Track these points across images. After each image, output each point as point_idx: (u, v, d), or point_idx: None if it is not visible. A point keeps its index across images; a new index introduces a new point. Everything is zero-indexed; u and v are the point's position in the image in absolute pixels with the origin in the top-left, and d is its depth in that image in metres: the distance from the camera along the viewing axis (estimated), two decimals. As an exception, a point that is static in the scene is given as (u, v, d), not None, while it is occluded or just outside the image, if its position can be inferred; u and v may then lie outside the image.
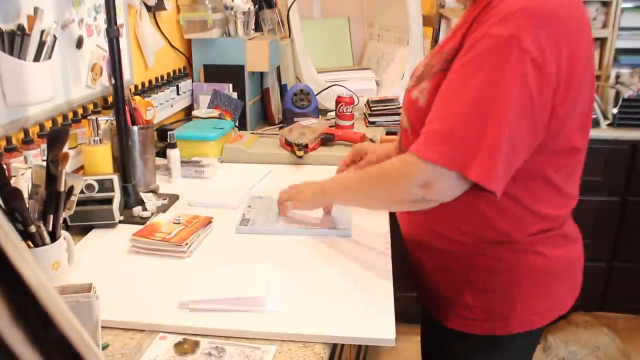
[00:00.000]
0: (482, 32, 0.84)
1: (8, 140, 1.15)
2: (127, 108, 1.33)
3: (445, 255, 1.03)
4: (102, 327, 0.81)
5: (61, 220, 0.95)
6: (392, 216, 1.21)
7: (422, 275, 1.10)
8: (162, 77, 1.85)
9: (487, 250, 0.97)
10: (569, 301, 1.05)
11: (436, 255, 1.05)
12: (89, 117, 1.35)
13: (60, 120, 1.35)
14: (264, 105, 2.19)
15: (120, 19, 1.53)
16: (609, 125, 2.22)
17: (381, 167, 0.99)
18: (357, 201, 1.11)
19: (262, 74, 2.15)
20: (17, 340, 0.24)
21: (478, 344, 1.03)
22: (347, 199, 1.13)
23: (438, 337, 1.12)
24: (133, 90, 1.68)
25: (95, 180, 1.21)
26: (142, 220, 1.23)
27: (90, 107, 1.45)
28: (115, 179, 1.23)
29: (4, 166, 1.03)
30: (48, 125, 1.28)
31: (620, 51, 2.40)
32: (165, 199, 1.36)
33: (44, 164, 0.93)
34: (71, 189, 0.96)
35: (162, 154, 1.59)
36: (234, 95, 1.97)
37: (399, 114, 1.90)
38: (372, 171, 1.01)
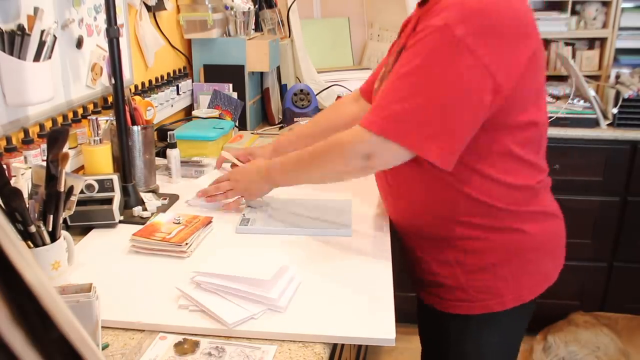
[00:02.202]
0: (423, 25, 0.95)
1: (8, 140, 1.15)
2: (127, 108, 1.33)
3: (435, 241, 1.09)
4: (102, 327, 0.81)
5: (61, 220, 0.95)
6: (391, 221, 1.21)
7: (417, 265, 1.15)
8: (162, 77, 1.85)
9: (475, 232, 1.04)
10: (555, 273, 1.13)
11: (424, 241, 1.11)
12: (89, 117, 1.35)
13: (60, 120, 1.35)
14: (264, 105, 2.19)
15: (120, 19, 1.53)
16: (609, 125, 2.22)
17: (329, 141, 1.06)
18: (302, 178, 1.16)
19: (262, 74, 2.15)
20: (17, 340, 0.24)
21: (476, 323, 1.09)
22: (296, 179, 1.18)
23: (435, 323, 1.17)
24: (133, 90, 1.68)
25: (95, 180, 1.21)
26: (142, 220, 1.23)
27: (90, 107, 1.45)
28: (115, 179, 1.23)
29: (4, 166, 1.03)
30: (48, 125, 1.28)
31: (620, 51, 2.40)
32: (165, 199, 1.36)
33: (44, 164, 0.93)
34: (71, 189, 0.96)
35: (162, 154, 1.59)
36: (234, 95, 1.97)
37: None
38: (321, 146, 1.07)
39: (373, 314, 0.89)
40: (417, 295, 1.24)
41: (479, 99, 0.92)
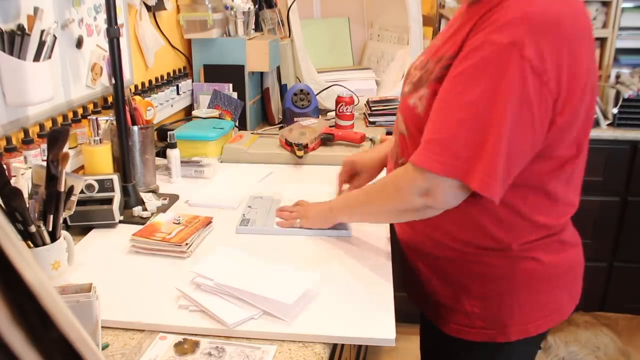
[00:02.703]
0: (482, 38, 0.83)
1: (8, 140, 1.15)
2: (127, 108, 1.33)
3: (442, 262, 1.02)
4: (102, 327, 0.81)
5: (61, 220, 0.95)
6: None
7: (420, 282, 1.09)
8: (162, 77, 1.85)
9: (484, 258, 0.97)
10: (569, 307, 1.04)
11: (433, 262, 1.04)
12: (89, 117, 1.35)
13: (60, 120, 1.35)
14: (264, 105, 2.19)
15: (120, 19, 1.53)
16: (609, 125, 2.22)
17: (384, 180, 1.01)
18: (365, 216, 1.10)
19: (262, 74, 2.15)
20: (17, 340, 0.24)
21: (477, 351, 1.03)
22: (354, 215, 1.12)
23: (437, 343, 1.12)
24: (133, 90, 1.68)
25: (95, 180, 1.21)
26: (142, 220, 1.23)
27: (90, 107, 1.45)
28: (115, 179, 1.23)
29: (4, 166, 1.02)
30: (48, 125, 1.28)
31: (620, 51, 2.40)
32: (165, 199, 1.36)
33: (44, 164, 0.93)
34: (71, 189, 0.96)
35: (162, 154, 1.59)
36: (234, 95, 1.97)
37: (399, 114, 1.89)
38: (376, 185, 1.03)
39: (373, 314, 0.89)
40: (420, 310, 1.17)
41: (543, 130, 0.84)
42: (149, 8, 1.77)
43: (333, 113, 2.02)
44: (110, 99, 1.54)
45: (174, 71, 1.96)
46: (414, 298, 1.15)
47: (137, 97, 1.51)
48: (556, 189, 0.93)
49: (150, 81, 1.78)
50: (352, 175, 1.30)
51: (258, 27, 2.18)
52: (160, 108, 1.76)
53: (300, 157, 1.62)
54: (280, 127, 2.01)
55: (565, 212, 0.98)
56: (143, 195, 1.34)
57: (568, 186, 0.96)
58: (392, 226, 1.20)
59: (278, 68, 2.23)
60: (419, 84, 0.95)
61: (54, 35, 1.21)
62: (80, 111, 1.42)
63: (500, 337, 0.99)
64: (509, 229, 0.94)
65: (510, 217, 0.93)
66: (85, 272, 1.02)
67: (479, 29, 0.85)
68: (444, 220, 0.96)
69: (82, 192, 1.14)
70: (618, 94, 2.21)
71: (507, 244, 0.95)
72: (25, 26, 1.17)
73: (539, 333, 1.01)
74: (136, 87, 1.70)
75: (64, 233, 0.97)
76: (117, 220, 1.22)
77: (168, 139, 1.51)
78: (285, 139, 1.68)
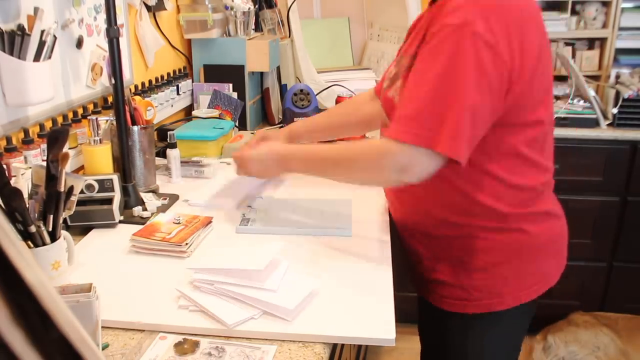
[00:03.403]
0: (438, 24, 0.93)
1: (8, 140, 1.15)
2: (127, 108, 1.33)
3: (437, 239, 1.09)
4: (102, 327, 0.81)
5: (61, 220, 0.95)
6: (391, 219, 1.21)
7: (417, 262, 1.15)
8: (162, 77, 1.85)
9: (476, 231, 1.04)
10: (556, 274, 1.13)
11: (428, 240, 1.11)
12: (89, 117, 1.35)
13: (60, 120, 1.35)
14: (264, 105, 2.19)
15: (120, 19, 1.53)
16: (609, 125, 2.22)
17: (355, 150, 1.04)
18: (322, 174, 1.13)
19: (262, 74, 2.15)
20: (17, 340, 0.24)
21: (477, 322, 1.09)
22: (311, 172, 1.14)
23: (436, 321, 1.17)
24: (133, 90, 1.68)
25: (95, 180, 1.21)
26: (142, 220, 1.23)
27: (91, 107, 1.45)
28: (115, 179, 1.23)
29: (4, 166, 1.03)
30: (48, 125, 1.28)
31: (620, 51, 2.40)
32: (165, 199, 1.36)
33: (44, 164, 0.93)
34: (71, 189, 0.96)
35: (162, 154, 1.59)
36: (234, 95, 1.97)
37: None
38: (346, 153, 1.05)
39: (373, 314, 0.89)
40: (418, 294, 1.24)
41: (500, 97, 0.92)
42: (149, 8, 1.77)
43: (333, 113, 2.02)
44: (110, 99, 1.54)
45: (174, 71, 1.96)
46: (415, 280, 1.20)
47: (137, 97, 1.51)
48: (528, 153, 1.01)
49: (150, 81, 1.78)
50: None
51: (258, 27, 2.18)
52: (160, 108, 1.76)
53: (300, 157, 1.62)
54: (280, 127, 2.00)
55: (541, 174, 1.05)
56: (143, 195, 1.34)
57: (540, 150, 1.03)
58: (392, 220, 1.21)
59: (278, 68, 2.23)
60: (395, 77, 1.05)
61: (54, 35, 1.21)
62: (80, 111, 1.42)
63: (497, 306, 1.07)
64: (491, 193, 1.01)
65: (491, 182, 1.01)
66: (85, 272, 1.02)
67: (436, 19, 0.95)
68: (430, 194, 1.05)
69: (82, 192, 1.14)
70: (618, 94, 2.21)
71: (493, 209, 1.02)
72: (26, 26, 1.17)
73: (530, 299, 1.08)
74: (136, 87, 1.70)
75: (64, 233, 0.97)
76: (117, 220, 1.22)
77: (168, 139, 1.51)
78: (285, 139, 1.68)
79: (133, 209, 1.26)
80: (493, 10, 0.89)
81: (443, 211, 1.06)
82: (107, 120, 1.38)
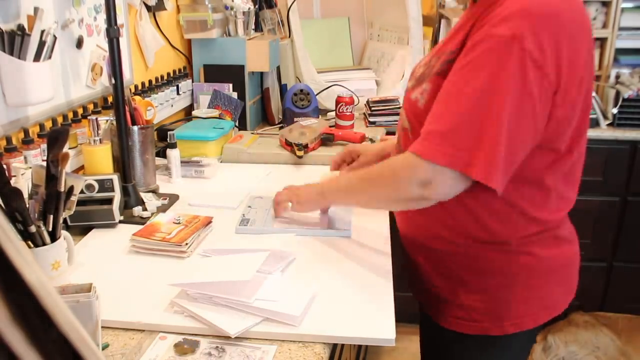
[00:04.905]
0: (483, 32, 0.84)
1: (8, 140, 1.15)
2: (127, 108, 1.33)
3: (440, 255, 1.03)
4: (102, 327, 0.81)
5: (61, 220, 0.95)
6: (392, 217, 1.21)
7: (419, 276, 1.10)
8: (162, 77, 1.85)
9: (482, 252, 0.98)
10: (563, 303, 1.05)
11: (431, 255, 1.05)
12: (89, 117, 1.35)
13: (60, 120, 1.35)
14: (264, 105, 2.19)
15: (120, 19, 1.53)
16: (609, 125, 2.22)
17: (381, 166, 0.99)
18: (357, 201, 1.11)
19: (262, 74, 2.15)
20: (17, 340, 0.24)
21: (474, 344, 1.04)
22: (347, 200, 1.13)
23: (436, 337, 1.13)
24: (133, 90, 1.68)
25: (95, 180, 1.21)
26: (142, 220, 1.23)
27: (91, 107, 1.45)
28: (115, 179, 1.23)
29: (4, 166, 1.02)
30: (48, 125, 1.28)
31: (620, 51, 2.40)
32: (165, 199, 1.36)
33: (44, 164, 0.93)
34: (71, 189, 0.96)
35: (162, 154, 1.59)
36: (234, 95, 1.97)
37: (399, 114, 1.90)
38: (372, 171, 1.00)
39: (373, 314, 0.89)
40: (417, 299, 1.19)
41: (543, 121, 0.85)
42: (149, 8, 1.77)
43: (333, 113, 2.02)
44: (110, 99, 1.54)
45: (174, 71, 1.96)
46: (415, 292, 1.16)
47: (137, 97, 1.51)
48: (553, 183, 0.93)
49: (150, 81, 1.78)
50: (348, 163, 1.34)
51: (258, 27, 2.18)
52: (160, 108, 1.76)
53: (300, 157, 1.63)
54: (280, 127, 2.01)
55: (562, 207, 0.99)
56: (143, 195, 1.34)
57: (566, 182, 0.96)
58: (392, 220, 1.20)
59: (278, 68, 2.23)
60: (422, 79, 0.97)
61: (54, 36, 1.21)
62: (80, 111, 1.42)
63: (495, 330, 1.00)
64: (505, 221, 0.95)
65: (507, 210, 0.94)
66: (85, 272, 1.02)
67: (480, 25, 0.86)
68: (442, 214, 0.97)
69: (82, 192, 1.14)
70: (618, 94, 2.21)
71: (503, 237, 0.96)
72: (26, 26, 1.17)
73: (533, 327, 1.01)
74: (136, 87, 1.70)
75: (64, 233, 0.97)
76: (117, 220, 1.22)
77: (168, 139, 1.51)
78: (285, 139, 1.68)
79: (133, 209, 1.26)
80: (546, 25, 0.81)
81: (443, 230, 1.00)
82: (107, 120, 1.38)
